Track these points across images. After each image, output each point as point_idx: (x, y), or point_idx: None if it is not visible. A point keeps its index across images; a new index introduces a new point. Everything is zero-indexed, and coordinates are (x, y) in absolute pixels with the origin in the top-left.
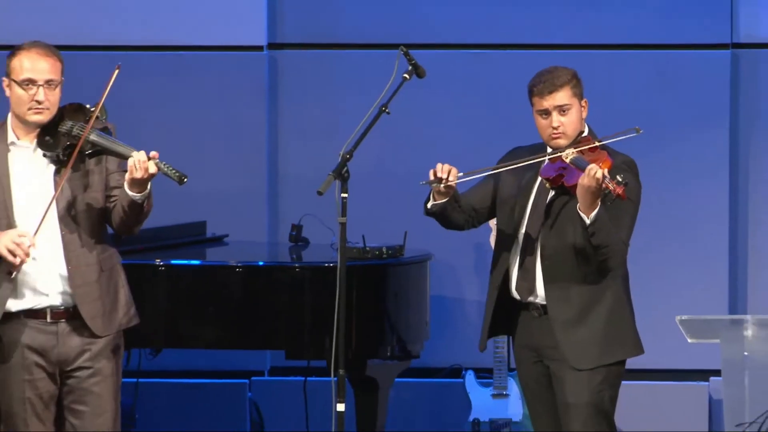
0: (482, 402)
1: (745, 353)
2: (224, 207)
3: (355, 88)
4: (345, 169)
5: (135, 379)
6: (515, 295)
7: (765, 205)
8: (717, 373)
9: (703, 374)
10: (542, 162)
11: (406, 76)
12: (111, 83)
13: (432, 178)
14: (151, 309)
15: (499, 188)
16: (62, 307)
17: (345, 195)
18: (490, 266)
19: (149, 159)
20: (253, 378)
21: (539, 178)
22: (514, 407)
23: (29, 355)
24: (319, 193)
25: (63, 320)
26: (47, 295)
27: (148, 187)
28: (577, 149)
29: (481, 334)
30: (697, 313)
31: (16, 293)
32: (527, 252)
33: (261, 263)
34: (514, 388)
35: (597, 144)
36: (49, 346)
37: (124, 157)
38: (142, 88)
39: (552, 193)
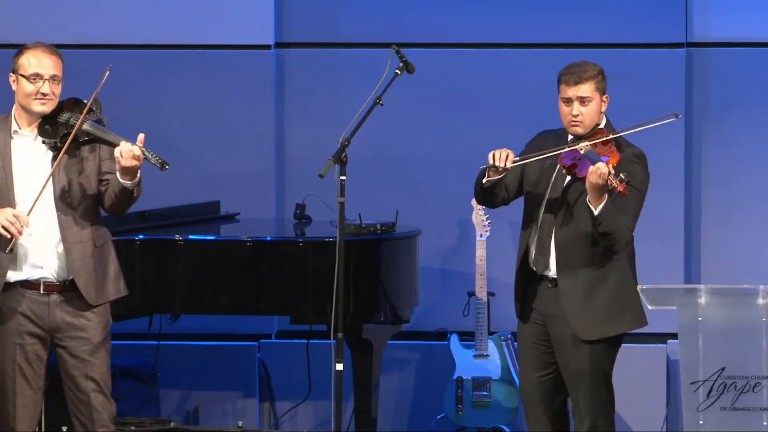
0: (465, 362)
1: (699, 318)
2: (236, 188)
3: (353, 82)
4: (344, 154)
5: (156, 342)
6: (533, 267)
7: (715, 188)
8: (674, 336)
9: (661, 337)
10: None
11: (397, 71)
12: (103, 81)
13: (491, 163)
14: (171, 279)
15: (525, 171)
16: (55, 281)
17: (343, 178)
18: (472, 240)
19: (135, 144)
20: (261, 341)
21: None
22: (493, 366)
23: (23, 322)
24: (321, 176)
25: (55, 292)
26: (42, 267)
27: (138, 175)
28: (591, 142)
29: (515, 302)
30: (656, 283)
31: (15, 266)
32: (544, 230)
33: (269, 238)
34: (493, 349)
35: (610, 137)
36: (41, 314)
37: (114, 146)
38: (162, 83)
39: (569, 178)
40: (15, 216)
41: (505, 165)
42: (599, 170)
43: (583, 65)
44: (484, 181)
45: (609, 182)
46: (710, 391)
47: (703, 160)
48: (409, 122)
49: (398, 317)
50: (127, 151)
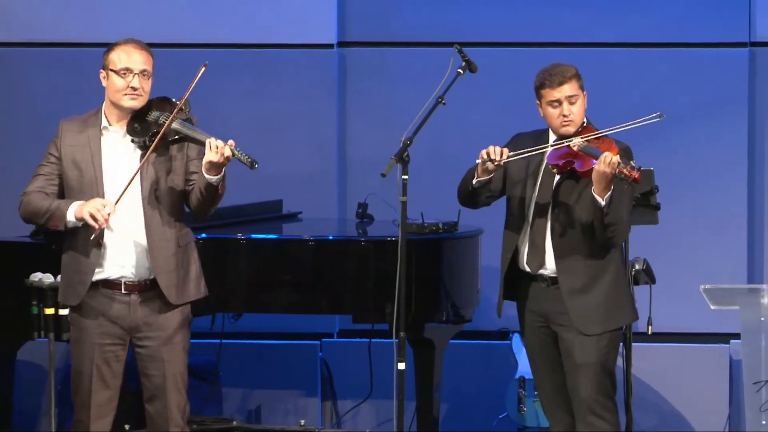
0: (527, 361)
1: (762, 318)
2: (299, 187)
3: (415, 81)
4: (406, 153)
5: (219, 341)
6: (525, 268)
7: None
8: (736, 336)
9: (724, 337)
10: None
11: (460, 71)
12: (197, 78)
13: (485, 157)
14: (233, 278)
15: (509, 172)
16: (136, 280)
17: (406, 177)
18: None
19: (225, 145)
20: (323, 339)
21: (545, 164)
22: None
23: (103, 323)
24: (383, 175)
25: (136, 292)
26: (123, 266)
27: (223, 171)
28: (584, 138)
29: (498, 301)
30: (719, 283)
31: (98, 264)
32: (537, 230)
33: (331, 237)
34: None
35: (603, 132)
36: (121, 314)
37: (202, 144)
38: (227, 82)
39: (557, 177)
40: (102, 204)
41: (501, 159)
42: (609, 159)
43: (561, 66)
44: (474, 181)
45: (619, 171)
46: None
47: (767, 159)
48: (472, 121)
49: (460, 316)
50: (220, 148)
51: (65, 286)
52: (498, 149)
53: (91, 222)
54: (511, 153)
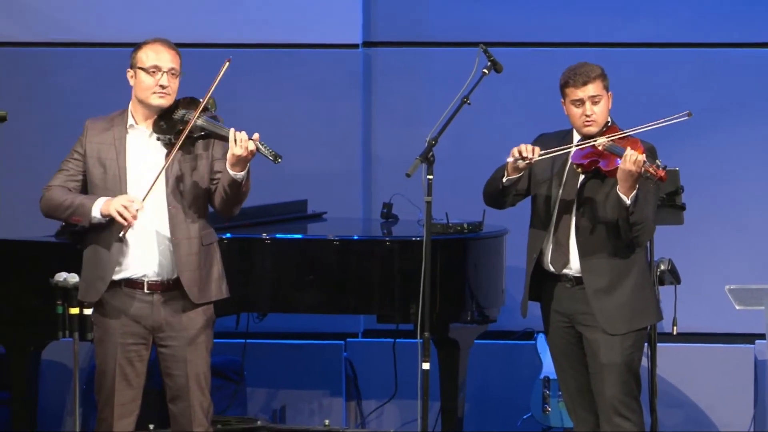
0: (552, 362)
1: None
2: (323, 187)
3: (440, 81)
4: (431, 153)
5: (243, 340)
6: (549, 267)
7: None
8: (761, 336)
9: (749, 338)
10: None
11: (485, 71)
12: (221, 74)
13: (517, 155)
14: (257, 278)
15: (533, 172)
16: (158, 280)
17: (430, 177)
18: None
19: (250, 139)
20: (348, 339)
21: (569, 163)
22: None
23: (126, 322)
24: (408, 175)
25: (158, 292)
26: (146, 264)
27: (248, 168)
28: (609, 137)
29: (522, 302)
30: (744, 283)
31: (121, 262)
32: (561, 229)
33: (356, 237)
34: None
35: (628, 132)
36: (144, 314)
37: (227, 140)
38: (252, 82)
39: (582, 176)
40: (129, 201)
41: (533, 157)
42: (635, 157)
43: (586, 66)
44: (504, 179)
45: (644, 169)
46: None
47: None
48: (497, 121)
49: (485, 317)
50: (244, 141)
51: (85, 282)
52: (530, 147)
53: (120, 219)
54: (542, 151)
